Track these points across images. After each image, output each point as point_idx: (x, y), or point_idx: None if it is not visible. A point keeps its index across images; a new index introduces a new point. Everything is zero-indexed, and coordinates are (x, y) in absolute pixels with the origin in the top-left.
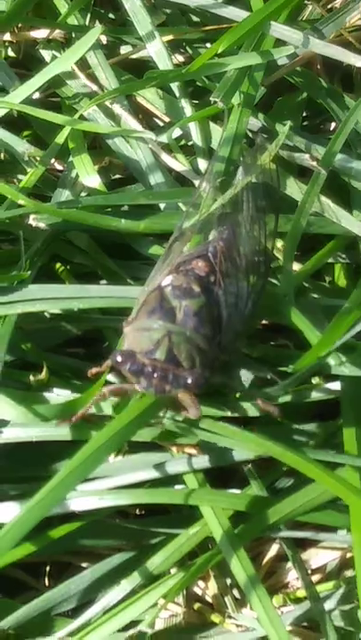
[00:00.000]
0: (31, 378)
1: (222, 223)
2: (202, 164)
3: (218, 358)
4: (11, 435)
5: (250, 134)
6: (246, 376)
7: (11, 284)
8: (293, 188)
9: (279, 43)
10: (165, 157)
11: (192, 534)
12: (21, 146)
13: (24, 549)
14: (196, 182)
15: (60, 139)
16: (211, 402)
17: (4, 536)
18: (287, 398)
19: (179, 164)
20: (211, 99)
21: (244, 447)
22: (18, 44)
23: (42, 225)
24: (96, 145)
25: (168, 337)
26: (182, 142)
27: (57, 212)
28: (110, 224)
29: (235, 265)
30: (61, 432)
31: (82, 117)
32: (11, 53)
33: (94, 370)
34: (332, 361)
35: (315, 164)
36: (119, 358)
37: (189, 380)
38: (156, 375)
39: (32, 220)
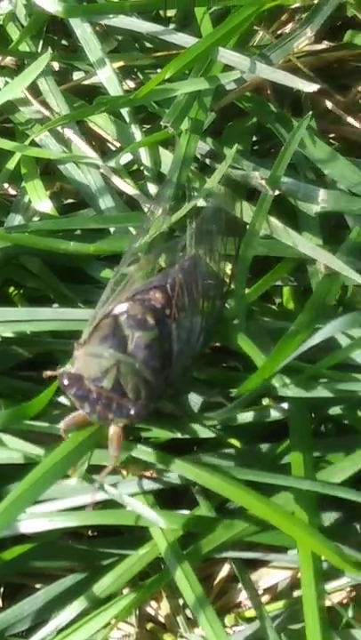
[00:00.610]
0: None
1: (182, 252)
2: (152, 188)
3: (164, 392)
4: None
5: (200, 158)
6: (195, 399)
7: None
8: (243, 211)
9: (228, 68)
10: (117, 181)
11: (143, 555)
12: None
13: None
14: (146, 207)
15: (12, 164)
16: (162, 423)
17: None
18: (237, 419)
19: (130, 187)
20: (161, 123)
21: (185, 474)
22: None
23: None
24: (49, 170)
25: (117, 366)
26: (134, 167)
27: (7, 237)
28: (60, 247)
29: (191, 299)
30: (12, 455)
31: (34, 143)
32: None
33: (49, 372)
34: (276, 383)
35: (263, 182)
36: (66, 381)
37: (132, 412)
38: (100, 403)
39: None
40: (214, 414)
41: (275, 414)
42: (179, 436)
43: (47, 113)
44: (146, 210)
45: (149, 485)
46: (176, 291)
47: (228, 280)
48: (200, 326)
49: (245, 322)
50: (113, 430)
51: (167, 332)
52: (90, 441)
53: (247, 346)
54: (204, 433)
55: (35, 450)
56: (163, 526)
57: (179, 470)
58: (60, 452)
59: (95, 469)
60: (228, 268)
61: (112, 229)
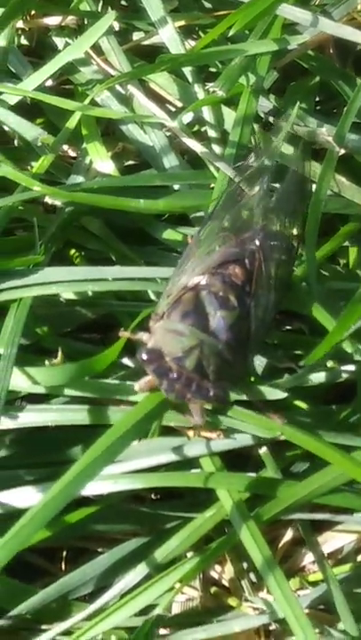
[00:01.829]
0: (46, 362)
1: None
2: (215, 147)
3: (244, 373)
4: (26, 420)
5: (263, 117)
6: (261, 362)
7: (26, 268)
8: (310, 170)
9: (288, 27)
10: (184, 139)
11: (208, 518)
12: (34, 132)
13: (40, 534)
14: (211, 166)
15: (72, 124)
16: None
17: (30, 521)
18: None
19: (196, 144)
20: (210, 88)
21: (260, 431)
22: (30, 32)
23: (57, 203)
24: (109, 132)
25: (200, 347)
26: (195, 128)
27: (73, 196)
28: (129, 205)
29: (268, 275)
30: (77, 416)
31: (95, 103)
32: (24, 41)
33: (126, 333)
34: (347, 348)
35: (329, 139)
36: (145, 356)
37: (211, 393)
38: (179, 382)
39: (48, 199)
40: (284, 381)
41: (343, 376)
42: (244, 397)
43: (111, 71)
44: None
45: (215, 447)
46: (256, 266)
47: (295, 244)
48: (274, 303)
49: (318, 286)
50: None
51: (246, 310)
52: (164, 404)
53: (318, 311)
54: (272, 394)
55: (107, 411)
56: (230, 488)
57: (254, 428)
58: (136, 413)
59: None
60: (295, 229)
61: (176, 187)
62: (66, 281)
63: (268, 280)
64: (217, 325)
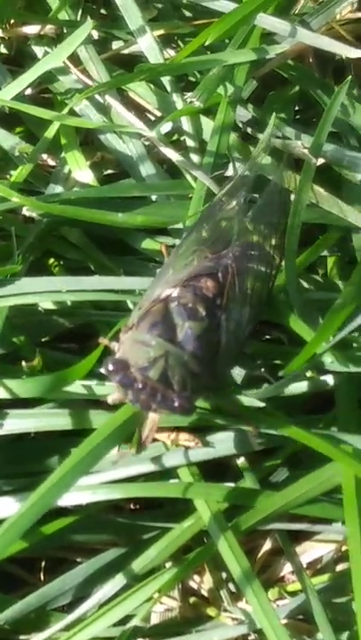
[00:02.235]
0: (24, 364)
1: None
2: (193, 157)
3: (210, 384)
4: (8, 427)
5: (241, 127)
6: (238, 372)
7: (3, 278)
8: (288, 181)
9: (267, 37)
10: (162, 148)
11: (186, 528)
12: (11, 141)
13: (18, 544)
14: (188, 175)
15: (50, 133)
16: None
17: (6, 531)
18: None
19: (174, 154)
20: (187, 98)
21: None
22: (10, 41)
23: (34, 215)
24: (88, 141)
25: (165, 357)
26: (174, 137)
27: (51, 208)
28: (106, 218)
29: (241, 289)
30: (59, 422)
31: (74, 113)
32: (3, 50)
33: (105, 341)
34: (326, 359)
35: (305, 151)
36: (111, 367)
37: (176, 404)
38: (144, 392)
39: (25, 211)
40: (263, 391)
41: (321, 386)
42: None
43: (88, 81)
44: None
45: (193, 457)
46: (228, 280)
47: (275, 255)
48: (248, 317)
49: (297, 296)
50: (151, 416)
51: (216, 322)
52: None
53: (296, 323)
54: (250, 403)
55: (88, 416)
56: (208, 499)
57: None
58: (112, 422)
59: None
60: (274, 240)
61: (154, 198)
62: (44, 291)
63: (241, 294)
64: (184, 336)
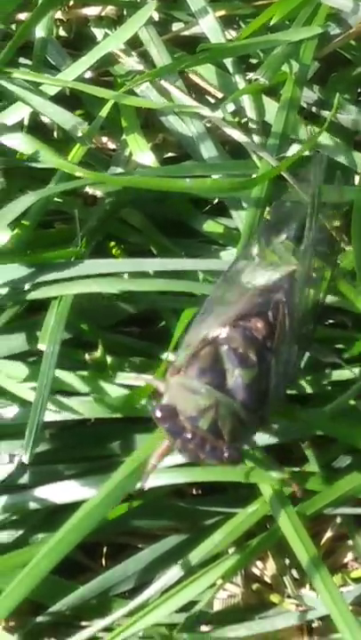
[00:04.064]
0: (87, 356)
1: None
2: (256, 138)
3: (257, 430)
4: (68, 414)
5: (306, 107)
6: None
7: (67, 261)
8: (350, 159)
9: (331, 17)
10: (226, 129)
11: (250, 513)
12: (73, 122)
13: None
14: (253, 155)
15: (105, 112)
16: None
17: (86, 516)
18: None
19: (238, 133)
20: (253, 76)
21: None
22: (69, 23)
23: (98, 193)
24: (149, 124)
25: (215, 407)
26: (235, 120)
27: (117, 180)
28: (175, 184)
29: (292, 327)
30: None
31: (134, 95)
32: (62, 33)
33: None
34: None
35: None
36: (159, 414)
37: (226, 455)
38: (193, 442)
39: (88, 189)
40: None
41: None
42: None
43: (147, 65)
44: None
45: (259, 442)
46: (279, 322)
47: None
48: (296, 354)
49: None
50: (165, 444)
51: (266, 367)
52: None
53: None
54: (313, 388)
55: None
56: (273, 483)
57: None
58: None
59: None
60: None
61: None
62: (107, 274)
63: (290, 331)
64: (234, 384)
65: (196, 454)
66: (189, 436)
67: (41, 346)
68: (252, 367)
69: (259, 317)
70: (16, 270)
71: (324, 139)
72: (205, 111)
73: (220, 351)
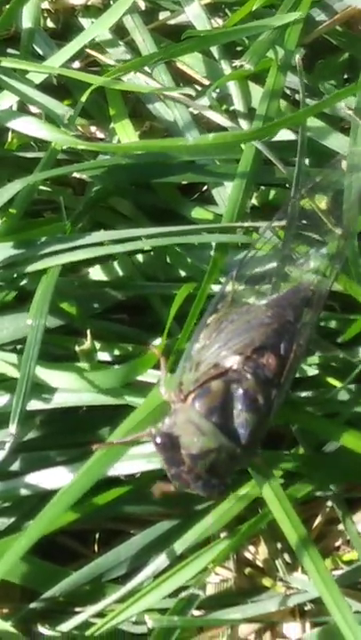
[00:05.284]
0: (76, 348)
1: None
2: (243, 124)
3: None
4: (60, 400)
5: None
6: None
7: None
8: (337, 142)
9: (316, 3)
10: (210, 114)
11: (241, 497)
12: (60, 110)
13: (71, 515)
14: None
15: (84, 97)
16: None
17: (58, 501)
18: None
19: (224, 119)
20: (238, 63)
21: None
22: (56, 14)
23: (85, 177)
24: (137, 113)
25: (217, 451)
26: (223, 107)
27: (115, 147)
28: (176, 145)
29: (297, 360)
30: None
31: None
32: (50, 24)
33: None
34: None
35: (351, 112)
36: (159, 440)
37: (216, 491)
38: (188, 475)
39: (77, 174)
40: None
41: None
42: None
43: (134, 54)
44: None
45: None
46: (290, 359)
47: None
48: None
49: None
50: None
51: (269, 405)
52: None
53: (351, 286)
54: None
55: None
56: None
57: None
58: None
59: None
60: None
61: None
62: (95, 243)
63: (296, 363)
64: (240, 426)
65: (187, 485)
66: (185, 469)
67: (28, 321)
68: (258, 411)
69: (272, 352)
70: (4, 250)
71: (311, 121)
72: (188, 96)
73: (231, 389)
